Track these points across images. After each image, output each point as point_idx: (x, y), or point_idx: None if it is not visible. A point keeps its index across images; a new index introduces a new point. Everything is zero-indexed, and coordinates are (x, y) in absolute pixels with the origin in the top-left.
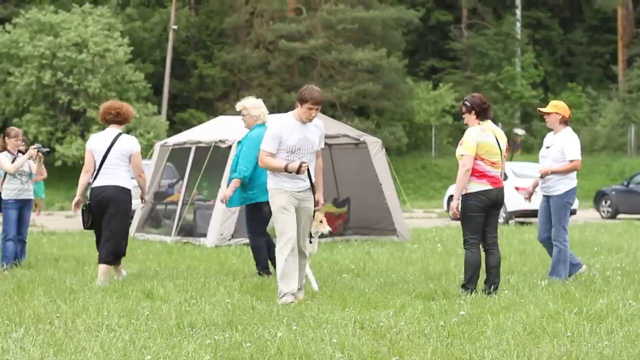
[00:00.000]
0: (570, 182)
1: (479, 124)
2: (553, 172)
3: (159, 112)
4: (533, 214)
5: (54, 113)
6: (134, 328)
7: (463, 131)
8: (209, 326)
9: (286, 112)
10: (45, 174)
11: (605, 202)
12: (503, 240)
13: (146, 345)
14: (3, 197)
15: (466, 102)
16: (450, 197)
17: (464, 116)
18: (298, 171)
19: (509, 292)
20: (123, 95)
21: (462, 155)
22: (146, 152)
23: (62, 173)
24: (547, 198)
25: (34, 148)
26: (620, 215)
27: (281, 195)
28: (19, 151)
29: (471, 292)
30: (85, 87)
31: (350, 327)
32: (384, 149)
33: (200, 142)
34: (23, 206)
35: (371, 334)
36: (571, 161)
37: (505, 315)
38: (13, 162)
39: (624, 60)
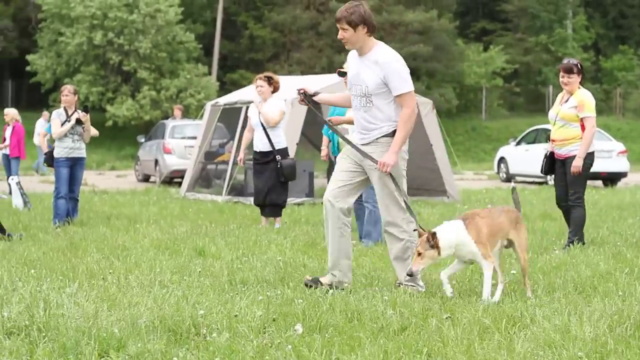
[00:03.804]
0: None
1: (579, 88)
2: None
3: (210, 73)
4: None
5: (104, 73)
6: (186, 284)
7: (514, 93)
8: (260, 283)
9: None
10: (96, 132)
11: None
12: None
13: (199, 300)
14: (55, 155)
15: (579, 65)
16: (501, 159)
17: (570, 78)
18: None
19: (560, 252)
20: (174, 56)
21: (586, 117)
22: (197, 112)
23: (113, 133)
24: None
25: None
26: None
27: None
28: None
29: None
30: (135, 47)
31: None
32: (434, 110)
33: (251, 102)
34: (74, 164)
35: (422, 291)
36: None
37: (556, 274)
38: (63, 124)
39: None
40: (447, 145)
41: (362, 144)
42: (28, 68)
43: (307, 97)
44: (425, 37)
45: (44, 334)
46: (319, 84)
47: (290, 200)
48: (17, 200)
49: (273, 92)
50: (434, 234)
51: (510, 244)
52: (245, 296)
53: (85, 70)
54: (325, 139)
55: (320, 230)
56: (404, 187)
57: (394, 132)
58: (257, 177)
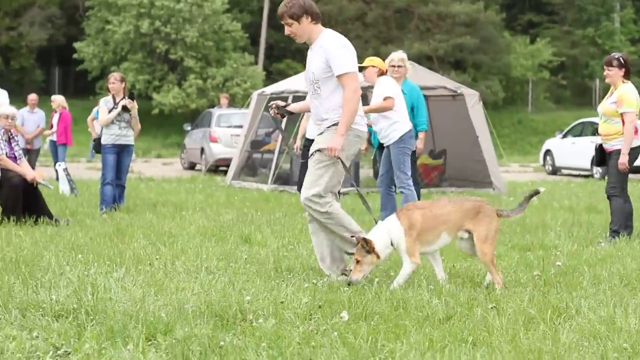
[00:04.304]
0: (402, 127)
1: (622, 82)
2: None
3: (256, 62)
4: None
5: (151, 61)
6: (232, 271)
7: (560, 86)
8: (306, 271)
9: None
10: (139, 126)
11: None
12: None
13: (245, 287)
14: (102, 142)
15: (621, 58)
16: (547, 152)
17: (610, 70)
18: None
19: (605, 244)
20: (220, 45)
21: (625, 112)
22: (243, 101)
23: (159, 121)
24: None
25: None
26: None
27: None
28: (123, 96)
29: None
30: (182, 36)
31: (447, 275)
32: (481, 102)
33: (297, 92)
34: (121, 151)
35: (467, 282)
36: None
37: (601, 267)
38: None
39: None
40: (493, 137)
41: (318, 134)
42: (75, 56)
43: (280, 110)
44: (472, 29)
45: (91, 317)
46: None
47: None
48: (64, 187)
49: None
50: (366, 240)
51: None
52: (291, 283)
53: (132, 58)
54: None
55: (365, 219)
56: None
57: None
58: (304, 165)
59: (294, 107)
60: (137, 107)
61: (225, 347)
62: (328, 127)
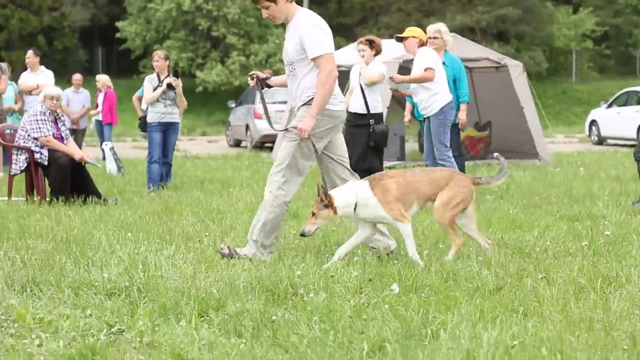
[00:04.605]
0: (443, 98)
1: None
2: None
3: None
4: None
5: (193, 39)
6: (281, 246)
7: (604, 56)
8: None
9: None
10: (185, 103)
11: None
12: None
13: (295, 262)
14: (148, 120)
15: None
16: (592, 122)
17: None
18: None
19: None
20: (262, 21)
21: None
22: None
23: (202, 99)
24: None
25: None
26: None
27: None
28: (168, 74)
29: None
30: (224, 13)
31: (496, 246)
32: (525, 73)
33: (341, 66)
34: (167, 129)
35: (517, 252)
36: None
37: None
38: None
39: None
40: (538, 108)
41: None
42: (118, 35)
43: (259, 81)
44: (514, 0)
45: (143, 295)
46: None
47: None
48: (111, 166)
49: (375, 55)
50: (326, 193)
51: None
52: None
53: (174, 36)
54: (408, 105)
55: None
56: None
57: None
58: (348, 140)
59: (273, 80)
60: (181, 84)
61: (278, 322)
62: (302, 106)
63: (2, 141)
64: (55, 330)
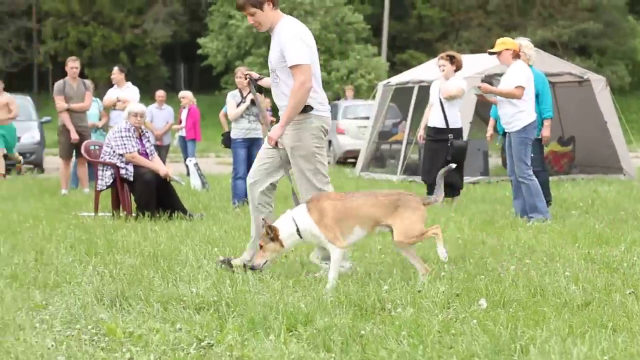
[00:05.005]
0: (527, 117)
1: None
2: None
3: (379, 53)
4: None
5: None
6: (367, 261)
7: None
8: (441, 259)
9: None
10: (269, 119)
11: None
12: None
13: (382, 277)
14: (232, 136)
15: None
16: None
17: None
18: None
19: None
20: (343, 37)
21: None
22: (368, 92)
23: None
24: None
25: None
26: None
27: None
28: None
29: None
30: None
31: (582, 262)
32: (608, 87)
33: (422, 81)
34: (251, 145)
35: (604, 267)
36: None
37: None
38: (239, 105)
39: None
40: (622, 122)
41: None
42: (199, 51)
43: (252, 81)
44: (595, 14)
45: (232, 309)
46: (490, 62)
47: (466, 179)
48: (195, 182)
49: (455, 70)
50: (271, 226)
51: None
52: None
53: (255, 52)
54: (491, 120)
55: (497, 208)
56: (320, 166)
57: (305, 107)
58: (428, 155)
59: (264, 82)
60: (266, 100)
61: (366, 336)
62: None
63: (88, 157)
64: (145, 344)
